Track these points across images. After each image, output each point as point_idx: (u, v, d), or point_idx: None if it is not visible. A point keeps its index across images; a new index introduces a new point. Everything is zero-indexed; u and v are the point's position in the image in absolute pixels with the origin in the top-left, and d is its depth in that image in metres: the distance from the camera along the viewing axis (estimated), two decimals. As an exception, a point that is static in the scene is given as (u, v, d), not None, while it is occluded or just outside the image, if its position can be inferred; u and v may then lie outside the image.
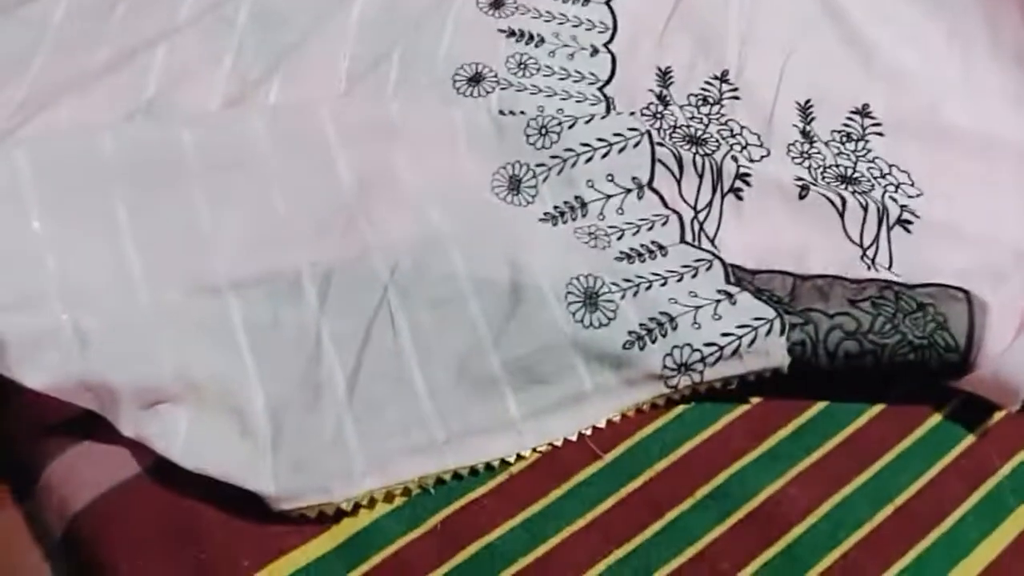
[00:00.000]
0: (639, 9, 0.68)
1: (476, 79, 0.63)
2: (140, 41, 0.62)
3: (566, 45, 0.66)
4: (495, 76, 0.63)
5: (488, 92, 0.62)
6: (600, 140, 0.58)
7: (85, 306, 0.48)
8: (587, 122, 0.59)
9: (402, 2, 0.66)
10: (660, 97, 0.63)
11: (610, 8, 0.67)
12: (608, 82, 0.64)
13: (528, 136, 0.59)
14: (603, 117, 0.59)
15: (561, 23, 0.67)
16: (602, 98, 0.63)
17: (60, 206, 0.50)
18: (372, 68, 0.62)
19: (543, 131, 0.59)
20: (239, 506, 0.45)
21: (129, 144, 0.53)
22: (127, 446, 0.47)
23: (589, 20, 0.67)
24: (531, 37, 0.66)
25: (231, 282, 0.51)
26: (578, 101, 0.62)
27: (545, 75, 0.64)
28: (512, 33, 0.66)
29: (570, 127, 0.58)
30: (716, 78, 0.65)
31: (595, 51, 0.66)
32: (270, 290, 0.52)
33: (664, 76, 0.65)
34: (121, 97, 0.58)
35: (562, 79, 0.64)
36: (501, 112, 0.60)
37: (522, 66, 0.64)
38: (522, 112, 0.60)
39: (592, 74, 0.65)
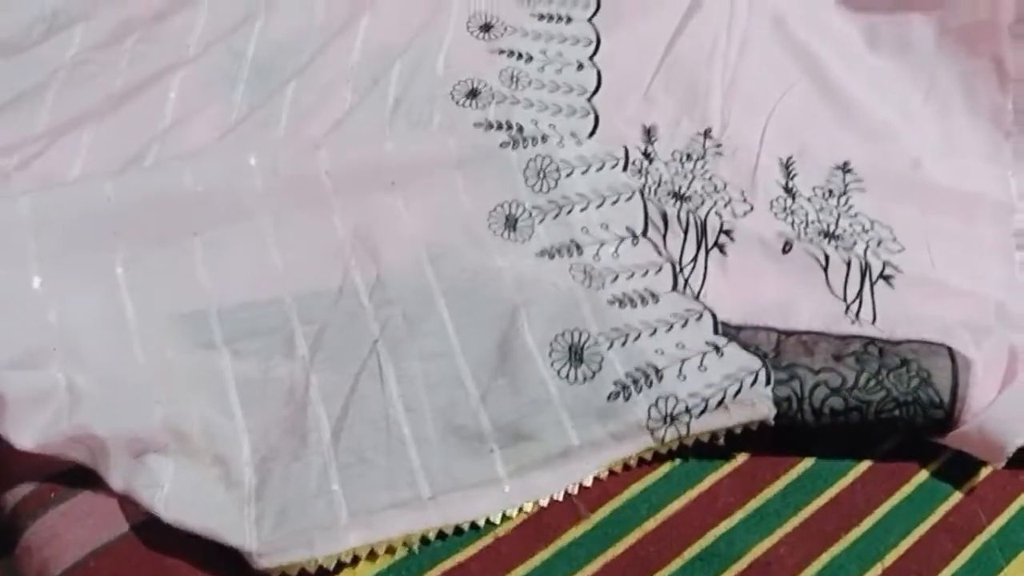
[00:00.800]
0: (625, 64, 0.69)
1: (473, 94, 0.65)
2: (151, 74, 0.63)
3: (553, 61, 0.68)
4: (490, 89, 0.65)
5: (485, 105, 0.64)
6: (595, 192, 0.60)
7: (80, 363, 0.48)
8: (583, 172, 0.60)
9: (401, 27, 0.68)
10: (645, 153, 0.64)
11: (593, 63, 0.69)
12: (595, 92, 0.66)
13: (527, 178, 0.60)
14: (599, 169, 0.61)
15: (546, 45, 0.69)
16: (590, 110, 0.65)
17: (60, 261, 0.51)
18: (372, 86, 0.64)
19: (541, 175, 0.60)
20: (223, 570, 0.44)
21: (129, 196, 0.53)
22: (110, 506, 0.46)
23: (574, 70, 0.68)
24: (520, 55, 0.68)
25: (225, 337, 0.51)
26: (568, 114, 0.64)
27: (536, 88, 0.66)
28: (503, 51, 0.68)
29: (567, 175, 0.60)
30: (700, 135, 0.66)
31: (580, 66, 0.68)
32: (263, 344, 0.52)
33: (649, 133, 0.66)
34: (133, 131, 0.59)
35: (552, 92, 0.66)
36: (498, 126, 0.62)
37: (514, 79, 0.66)
38: (518, 126, 0.62)
39: (580, 86, 0.66)
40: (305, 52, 0.66)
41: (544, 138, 0.61)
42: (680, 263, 0.58)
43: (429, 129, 0.62)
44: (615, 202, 0.60)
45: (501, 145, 0.60)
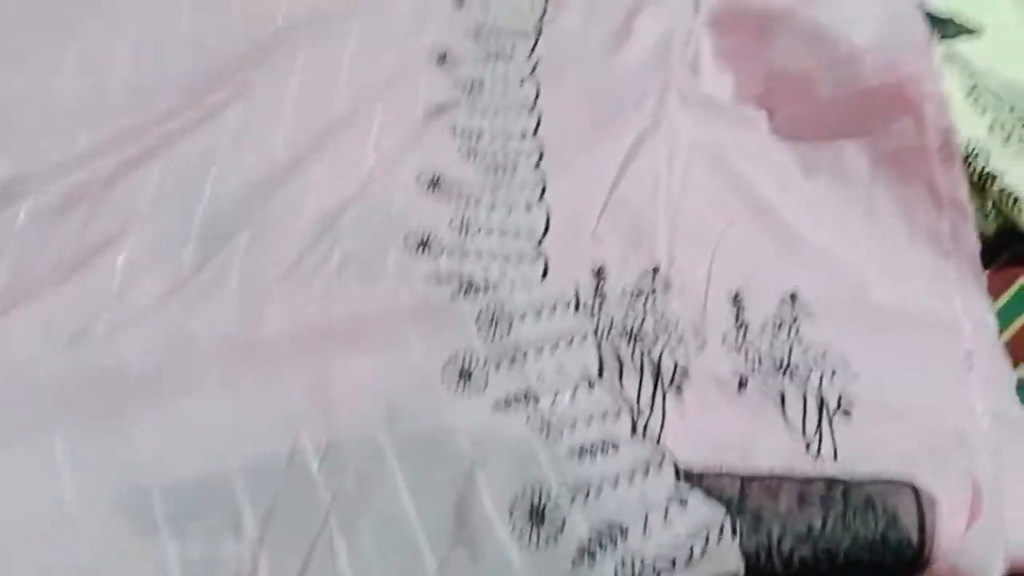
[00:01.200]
0: (571, 204, 0.70)
1: (424, 244, 0.64)
2: (101, 239, 0.61)
3: (502, 204, 0.68)
4: (440, 240, 0.65)
5: (436, 256, 0.63)
6: (548, 337, 0.59)
7: (19, 553, 0.45)
8: (536, 317, 0.60)
9: (351, 179, 0.68)
10: (596, 291, 0.65)
11: (541, 204, 0.70)
12: (544, 235, 0.66)
13: (479, 327, 0.59)
14: (551, 313, 0.61)
15: (493, 196, 0.69)
16: (540, 254, 0.65)
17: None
18: (320, 238, 0.63)
19: (493, 323, 0.59)
20: None
21: (73, 371, 0.52)
22: None
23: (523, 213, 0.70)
24: (467, 201, 0.68)
25: (168, 517, 0.49)
26: (518, 259, 0.64)
27: (486, 234, 0.66)
28: (451, 199, 0.68)
29: (520, 320, 0.59)
30: (648, 272, 0.66)
31: (529, 207, 0.68)
32: (210, 526, 0.49)
33: (598, 273, 0.66)
34: (83, 300, 0.58)
35: (501, 236, 0.66)
36: (449, 278, 0.61)
37: (463, 227, 0.66)
38: (469, 276, 0.61)
39: (529, 229, 0.67)
40: (256, 203, 0.66)
41: (495, 287, 0.61)
42: (638, 406, 0.57)
43: (380, 283, 0.62)
44: (569, 344, 0.60)
45: (451, 297, 0.60)
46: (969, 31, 0.76)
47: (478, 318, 0.59)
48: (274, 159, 0.70)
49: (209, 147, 0.68)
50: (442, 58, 0.77)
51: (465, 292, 0.60)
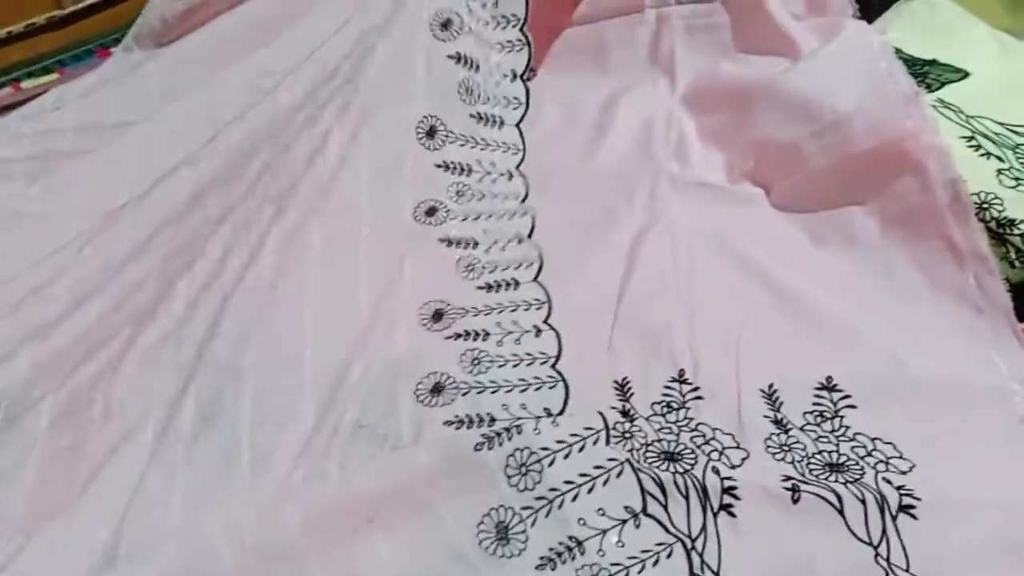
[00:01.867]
0: (580, 319, 0.68)
1: (437, 389, 0.63)
2: (118, 438, 0.61)
3: (510, 332, 0.67)
4: (453, 381, 0.63)
5: (452, 400, 0.62)
6: (582, 475, 0.56)
7: None
8: (566, 456, 0.57)
9: (351, 326, 0.67)
10: (624, 413, 0.62)
11: (550, 326, 0.67)
12: (558, 357, 0.64)
13: (510, 477, 0.56)
14: (581, 448, 0.57)
15: (499, 317, 0.68)
16: (557, 378, 0.63)
17: None
18: (329, 405, 0.62)
19: (523, 470, 0.56)
20: None
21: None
22: None
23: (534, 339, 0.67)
24: (476, 334, 0.67)
25: None
26: (536, 388, 0.62)
27: (499, 366, 0.64)
28: (458, 336, 0.66)
29: (550, 464, 0.56)
30: (675, 380, 0.64)
31: (538, 331, 0.67)
32: None
33: (623, 389, 0.64)
34: (103, 515, 0.57)
35: (515, 366, 0.64)
36: (469, 421, 0.59)
37: (475, 362, 0.64)
38: (490, 418, 0.60)
39: (542, 353, 0.65)
40: (253, 350, 0.64)
41: (519, 428, 0.58)
42: (690, 535, 0.54)
43: (396, 448, 0.59)
44: (606, 481, 0.56)
45: (476, 448, 0.58)
46: (955, 72, 0.75)
47: (506, 467, 0.56)
48: (264, 299, 0.68)
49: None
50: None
51: (489, 444, 0.57)
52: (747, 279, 0.69)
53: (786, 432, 0.60)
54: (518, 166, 0.75)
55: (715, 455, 0.58)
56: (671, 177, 0.77)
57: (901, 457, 0.57)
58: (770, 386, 0.62)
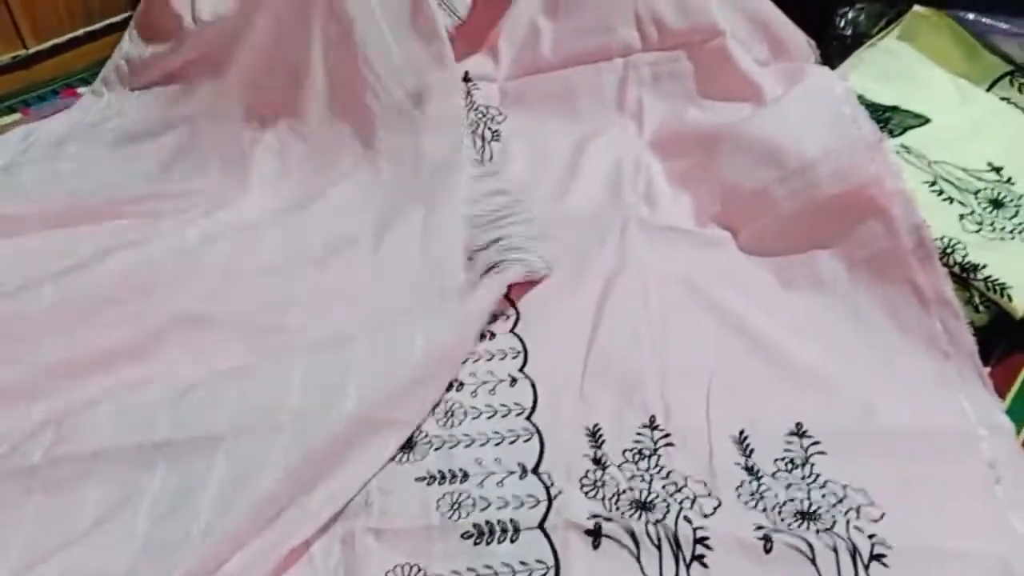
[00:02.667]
0: (553, 367, 0.67)
1: (409, 446, 0.62)
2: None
3: (485, 382, 0.66)
4: (427, 438, 0.63)
5: (423, 457, 0.61)
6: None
7: None
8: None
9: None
10: (596, 460, 0.61)
11: (525, 375, 0.67)
12: (533, 409, 0.64)
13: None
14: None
15: (474, 367, 0.67)
16: (533, 430, 0.62)
17: None
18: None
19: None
20: None
21: None
22: None
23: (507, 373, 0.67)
24: (450, 384, 0.66)
25: None
26: (511, 442, 0.62)
27: (473, 418, 0.64)
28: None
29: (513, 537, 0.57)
30: (646, 426, 0.63)
31: (513, 380, 0.66)
32: None
33: (595, 436, 0.63)
34: None
35: (490, 417, 0.64)
36: (440, 477, 0.59)
37: (449, 414, 0.64)
38: (463, 473, 0.59)
39: (517, 404, 0.64)
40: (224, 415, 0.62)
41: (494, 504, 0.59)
42: (663, 589, 0.53)
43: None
44: None
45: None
46: (917, 117, 0.76)
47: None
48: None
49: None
50: None
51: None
52: (718, 324, 0.69)
53: (758, 479, 0.59)
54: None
55: (687, 503, 0.58)
56: (640, 221, 0.77)
57: (872, 504, 0.57)
58: (741, 432, 0.62)
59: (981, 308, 0.66)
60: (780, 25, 0.87)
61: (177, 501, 0.57)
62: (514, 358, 0.68)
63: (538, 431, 0.62)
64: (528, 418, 0.63)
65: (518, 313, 0.71)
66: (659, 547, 0.55)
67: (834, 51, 0.86)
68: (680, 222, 0.77)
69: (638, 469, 0.61)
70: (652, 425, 0.63)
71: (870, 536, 0.54)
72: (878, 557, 0.53)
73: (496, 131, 0.89)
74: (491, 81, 0.92)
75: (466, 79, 0.90)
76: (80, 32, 1.03)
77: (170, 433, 0.60)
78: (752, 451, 0.61)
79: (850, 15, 0.87)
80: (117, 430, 0.61)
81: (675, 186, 0.80)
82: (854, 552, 0.54)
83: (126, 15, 1.02)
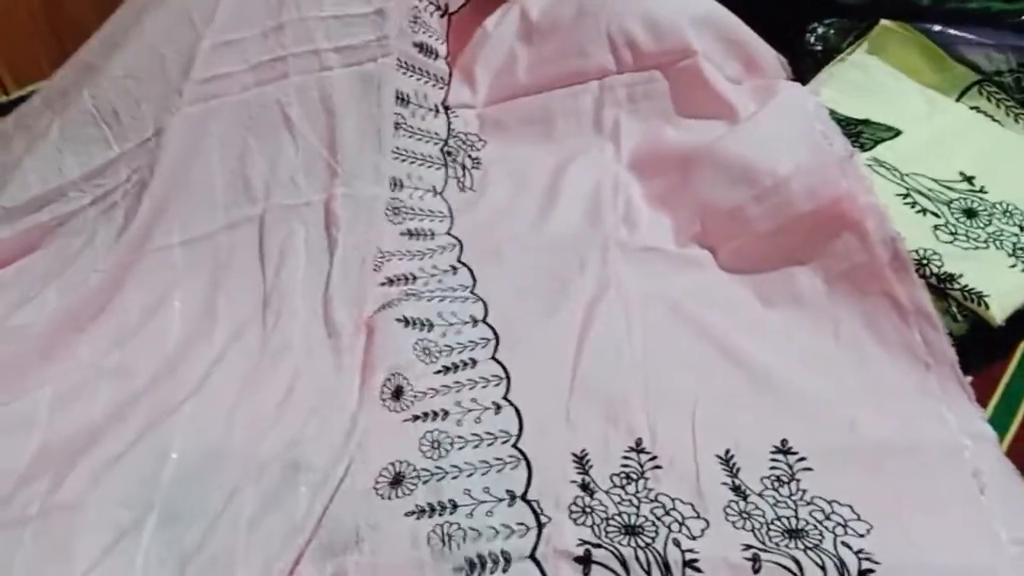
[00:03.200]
0: (536, 393, 0.68)
1: (397, 481, 0.63)
2: None
3: (470, 410, 0.66)
4: (415, 471, 0.63)
5: (411, 491, 0.62)
6: None
7: None
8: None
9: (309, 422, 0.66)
10: (584, 487, 0.62)
11: (509, 402, 0.67)
12: (519, 436, 0.64)
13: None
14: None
15: (458, 396, 0.68)
16: (520, 456, 0.63)
17: None
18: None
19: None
20: None
21: None
22: None
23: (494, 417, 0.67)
24: (436, 414, 0.67)
25: None
26: (499, 470, 0.62)
27: (459, 448, 0.64)
28: (417, 417, 0.66)
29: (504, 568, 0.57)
30: (633, 449, 0.63)
31: (498, 408, 0.67)
32: None
33: (582, 461, 0.63)
34: None
35: (476, 446, 0.64)
36: (424, 510, 0.60)
37: (436, 446, 0.64)
38: (452, 506, 0.60)
39: (503, 431, 0.65)
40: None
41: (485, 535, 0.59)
42: (654, 613, 0.54)
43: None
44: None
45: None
46: (888, 130, 0.77)
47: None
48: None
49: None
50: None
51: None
52: (700, 344, 0.70)
53: (744, 499, 0.60)
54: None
55: (675, 526, 0.58)
56: (620, 243, 0.78)
57: (859, 519, 0.57)
58: (727, 452, 0.62)
59: (959, 317, 0.67)
60: (751, 43, 0.89)
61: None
62: (496, 385, 0.68)
63: (525, 458, 0.63)
64: (515, 445, 0.64)
65: (498, 338, 0.71)
66: (648, 572, 0.55)
67: (805, 66, 0.87)
68: (660, 243, 0.78)
69: (626, 493, 0.61)
70: (639, 448, 0.64)
71: (857, 552, 0.55)
72: (865, 573, 0.54)
73: (476, 158, 0.90)
74: (469, 108, 0.93)
75: (445, 108, 0.91)
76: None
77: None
78: (739, 470, 0.61)
79: (820, 31, 0.88)
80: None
81: (654, 207, 0.81)
82: (842, 569, 0.54)
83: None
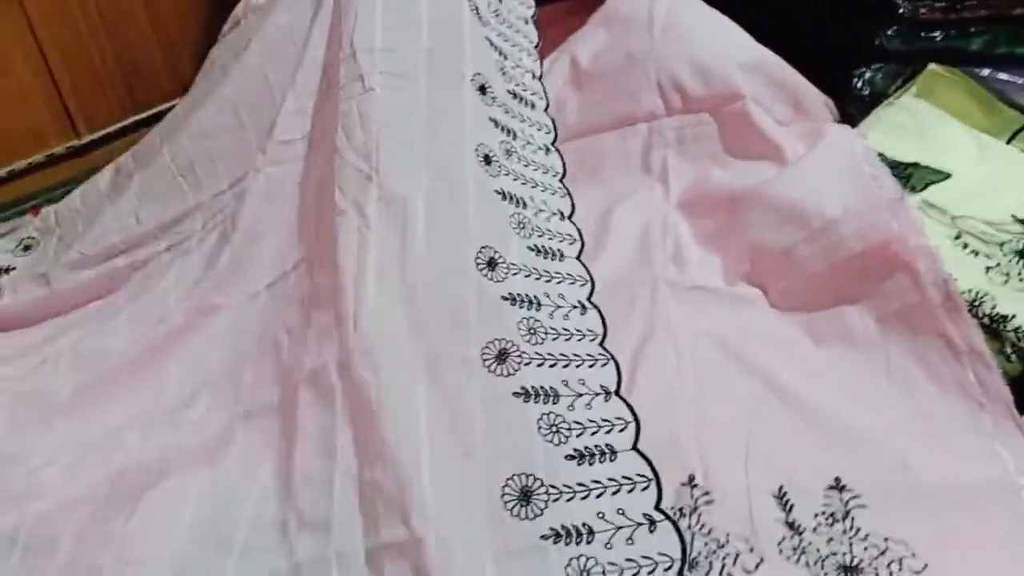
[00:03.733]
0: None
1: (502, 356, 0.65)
2: None
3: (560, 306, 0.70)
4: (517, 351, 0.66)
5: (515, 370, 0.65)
6: None
7: None
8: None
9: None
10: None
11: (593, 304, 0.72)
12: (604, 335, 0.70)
13: None
14: None
15: None
16: (608, 356, 0.68)
17: None
18: None
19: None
20: None
21: None
22: None
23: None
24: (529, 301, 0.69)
25: None
26: (590, 365, 0.67)
27: (553, 339, 0.68)
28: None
29: None
30: (686, 484, 0.64)
31: (584, 308, 0.71)
32: None
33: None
34: None
35: (567, 340, 0.68)
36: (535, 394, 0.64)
37: (532, 331, 0.67)
38: (555, 393, 0.64)
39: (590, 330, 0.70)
40: None
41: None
42: (710, 643, 0.54)
43: None
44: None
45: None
46: (938, 173, 0.77)
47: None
48: None
49: None
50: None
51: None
52: (752, 382, 0.71)
53: (799, 535, 0.60)
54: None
55: (729, 560, 0.59)
56: (670, 282, 0.79)
57: (914, 556, 0.57)
58: (780, 488, 0.63)
59: (1013, 358, 0.67)
60: (799, 86, 0.90)
61: None
62: (583, 285, 0.72)
63: (612, 357, 0.68)
64: (600, 343, 0.68)
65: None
66: (704, 606, 0.56)
67: (852, 111, 0.88)
68: (709, 281, 0.79)
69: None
70: (691, 483, 0.64)
71: (914, 590, 0.55)
72: (923, 611, 0.54)
73: (527, 201, 0.92)
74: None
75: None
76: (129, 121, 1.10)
77: None
78: (792, 507, 0.62)
79: (867, 75, 0.89)
80: None
81: (703, 246, 0.82)
82: (898, 605, 0.54)
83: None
